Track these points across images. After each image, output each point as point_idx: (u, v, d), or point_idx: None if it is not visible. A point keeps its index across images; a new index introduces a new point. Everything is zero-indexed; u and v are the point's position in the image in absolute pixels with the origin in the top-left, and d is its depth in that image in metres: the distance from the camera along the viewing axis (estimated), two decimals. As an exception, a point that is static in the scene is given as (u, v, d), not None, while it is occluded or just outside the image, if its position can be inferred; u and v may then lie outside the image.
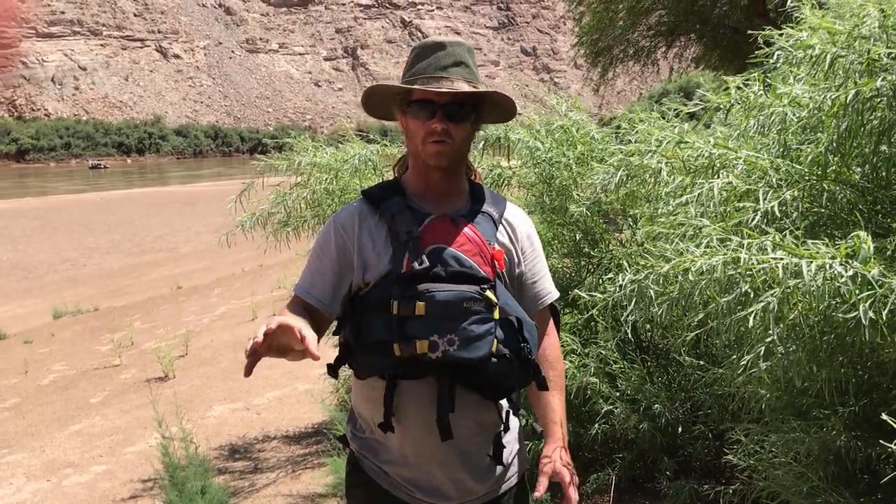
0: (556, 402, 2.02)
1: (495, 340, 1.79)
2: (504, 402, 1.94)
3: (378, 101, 2.00)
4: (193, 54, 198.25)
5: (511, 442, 2.01)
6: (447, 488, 1.91)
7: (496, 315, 1.81)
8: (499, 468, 1.96)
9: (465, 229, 1.88)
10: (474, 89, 1.88)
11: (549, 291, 2.07)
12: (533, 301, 2.02)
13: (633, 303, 2.24)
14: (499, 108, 1.98)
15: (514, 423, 2.03)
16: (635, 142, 2.94)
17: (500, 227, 1.97)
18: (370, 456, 1.96)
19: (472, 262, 1.84)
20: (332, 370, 1.96)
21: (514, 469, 2.02)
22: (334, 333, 1.92)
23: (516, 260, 1.98)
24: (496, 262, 1.88)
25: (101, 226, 30.68)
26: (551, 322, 2.10)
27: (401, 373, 1.82)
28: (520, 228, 2.01)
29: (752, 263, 1.85)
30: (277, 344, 1.61)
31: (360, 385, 1.96)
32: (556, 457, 1.97)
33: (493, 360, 1.80)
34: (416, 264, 1.80)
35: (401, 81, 1.92)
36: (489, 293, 1.81)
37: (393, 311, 1.78)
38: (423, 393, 1.84)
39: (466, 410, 1.85)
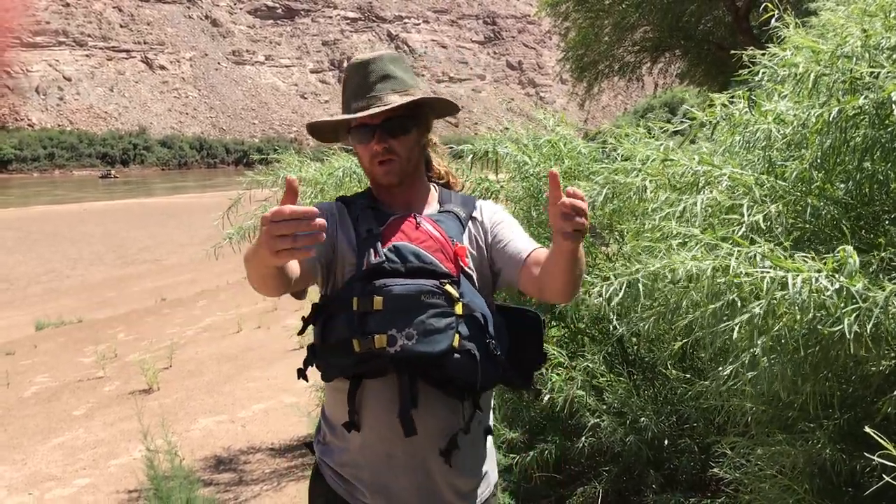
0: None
1: (457, 335, 1.76)
2: (469, 404, 1.84)
3: (325, 132, 2.03)
4: (179, 65, 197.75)
5: (478, 449, 1.95)
6: (409, 495, 1.86)
7: (459, 310, 1.78)
8: (467, 478, 1.90)
9: (428, 227, 1.89)
10: (406, 99, 1.88)
11: (530, 244, 1.92)
12: (515, 258, 1.90)
13: (621, 294, 2.24)
14: (437, 105, 1.98)
15: (487, 432, 1.97)
16: (620, 159, 2.97)
17: (470, 227, 1.97)
18: (328, 459, 1.94)
19: (432, 258, 1.82)
20: (301, 373, 1.95)
21: (486, 486, 1.97)
22: (299, 333, 1.95)
23: (486, 244, 1.95)
24: (459, 259, 1.86)
25: (85, 237, 30.43)
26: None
27: (363, 371, 1.80)
28: (486, 215, 2.00)
29: (740, 273, 1.87)
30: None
31: (329, 388, 1.95)
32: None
33: (456, 355, 1.76)
34: (373, 258, 1.80)
35: (341, 106, 1.95)
36: (449, 287, 1.78)
37: (353, 308, 1.77)
38: (385, 391, 1.81)
39: (430, 409, 1.81)
